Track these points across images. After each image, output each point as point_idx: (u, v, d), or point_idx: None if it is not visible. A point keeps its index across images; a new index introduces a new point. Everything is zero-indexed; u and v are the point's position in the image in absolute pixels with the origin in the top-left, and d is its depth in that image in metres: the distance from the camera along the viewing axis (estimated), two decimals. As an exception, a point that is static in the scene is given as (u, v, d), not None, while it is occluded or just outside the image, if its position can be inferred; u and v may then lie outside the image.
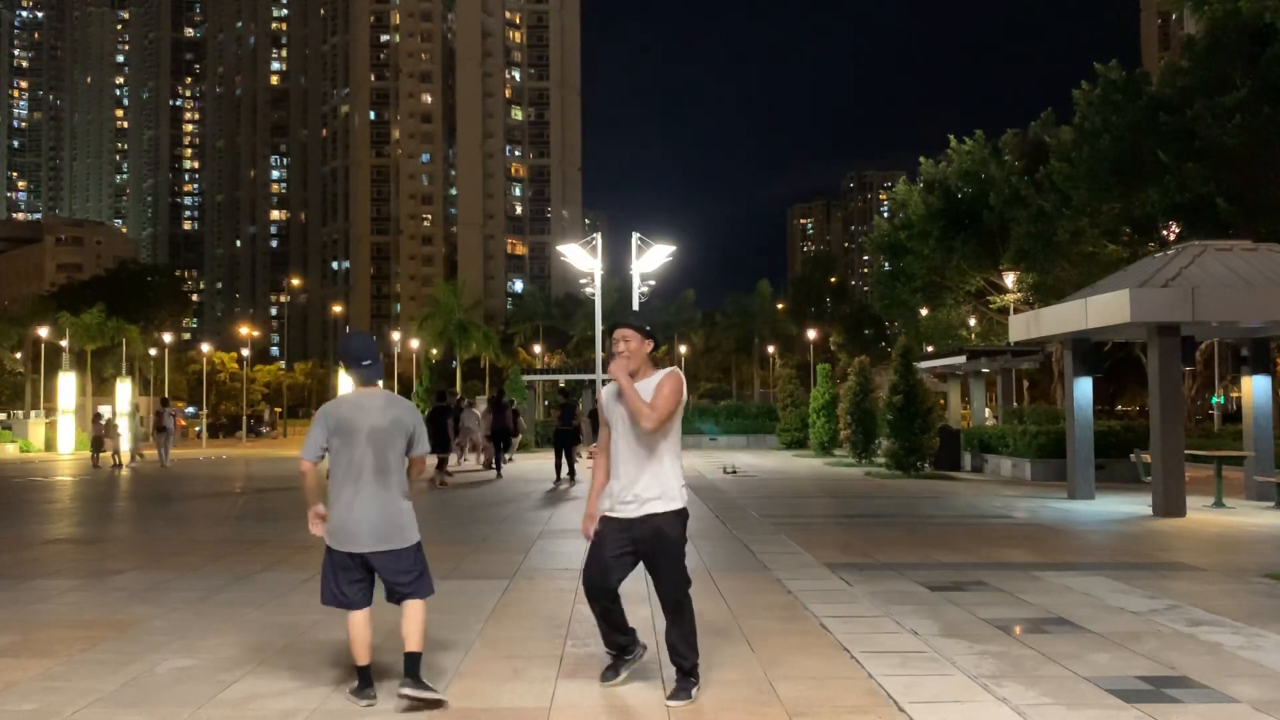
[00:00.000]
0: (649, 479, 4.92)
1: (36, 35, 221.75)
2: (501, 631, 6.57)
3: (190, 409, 73.12)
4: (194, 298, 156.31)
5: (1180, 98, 26.79)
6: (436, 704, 4.80)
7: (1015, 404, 29.90)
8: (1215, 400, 48.97)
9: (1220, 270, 14.09)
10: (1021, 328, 17.63)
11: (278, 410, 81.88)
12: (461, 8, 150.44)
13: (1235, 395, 46.92)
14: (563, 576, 8.73)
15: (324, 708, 4.90)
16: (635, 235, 33.35)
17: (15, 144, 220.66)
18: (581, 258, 34.21)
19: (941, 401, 32.54)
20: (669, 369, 5.05)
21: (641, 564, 5.02)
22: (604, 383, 5.80)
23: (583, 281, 39.62)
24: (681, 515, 4.99)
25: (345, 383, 38.52)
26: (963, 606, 7.39)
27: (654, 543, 4.90)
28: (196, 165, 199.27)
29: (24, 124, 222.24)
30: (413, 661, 4.84)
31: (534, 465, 23.77)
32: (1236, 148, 24.87)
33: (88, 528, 13.69)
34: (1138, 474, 16.45)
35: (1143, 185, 26.93)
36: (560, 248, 36.23)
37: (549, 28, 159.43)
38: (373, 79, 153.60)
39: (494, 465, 23.09)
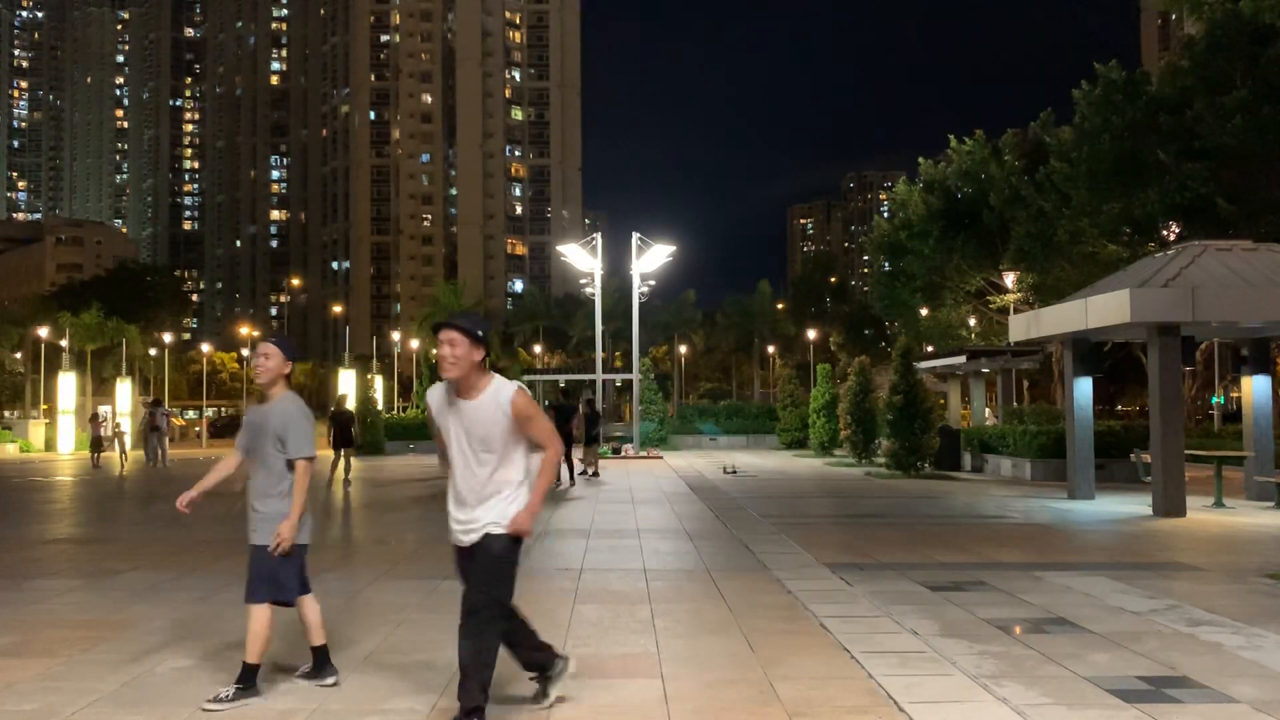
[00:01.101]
0: (494, 504, 4.40)
1: (36, 35, 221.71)
2: (501, 631, 6.56)
3: (191, 412, 73.15)
4: (194, 298, 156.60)
5: (1180, 98, 26.79)
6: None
7: (1015, 404, 29.91)
8: (1215, 400, 48.95)
9: (1220, 270, 14.09)
10: (1021, 328, 17.63)
11: None
12: (461, 8, 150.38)
13: (1235, 395, 46.91)
14: (563, 576, 8.74)
15: (324, 708, 4.91)
16: (635, 235, 33.41)
17: (15, 144, 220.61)
18: (581, 258, 34.24)
19: (941, 401, 32.53)
20: (515, 385, 4.41)
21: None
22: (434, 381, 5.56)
23: (583, 281, 39.61)
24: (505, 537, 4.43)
25: (346, 382, 38.56)
26: (963, 606, 7.39)
27: (479, 548, 4.40)
28: (196, 165, 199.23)
29: (24, 124, 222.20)
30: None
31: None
32: (1236, 148, 24.87)
33: (88, 528, 13.70)
34: (1138, 474, 16.45)
35: (1143, 185, 26.94)
36: (560, 248, 36.27)
37: (549, 28, 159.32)
38: (373, 79, 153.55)
39: None
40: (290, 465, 5.01)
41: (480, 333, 4.35)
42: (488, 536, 4.36)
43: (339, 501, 17.19)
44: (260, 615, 5.02)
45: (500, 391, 4.34)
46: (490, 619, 4.35)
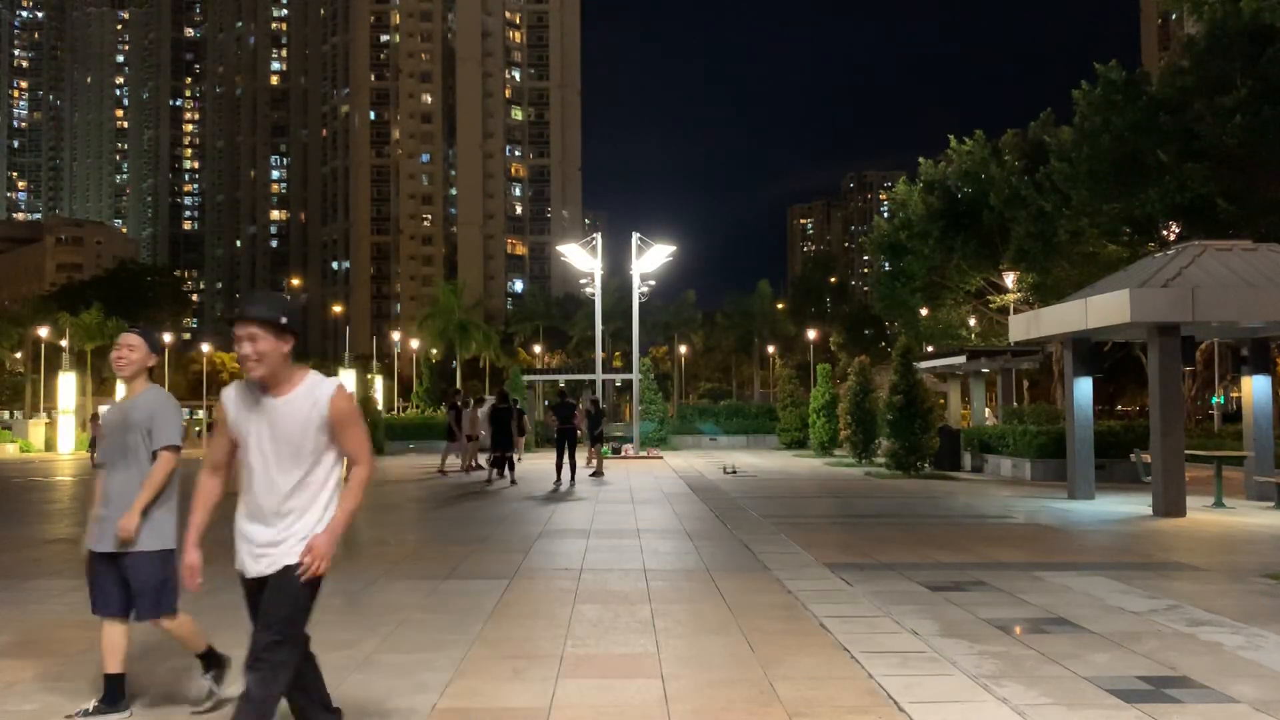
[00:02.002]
0: (297, 525, 3.69)
1: (36, 35, 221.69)
2: (501, 631, 6.57)
3: (201, 412, 73.07)
4: (194, 298, 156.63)
5: (1180, 98, 26.79)
6: None
7: (1015, 404, 29.90)
8: (1215, 400, 48.96)
9: (1220, 270, 14.09)
10: (1021, 328, 17.63)
11: None
12: (461, 8, 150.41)
13: (1235, 395, 46.91)
14: (563, 576, 8.74)
15: (324, 708, 4.90)
16: (635, 235, 33.41)
17: (15, 144, 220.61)
18: (581, 258, 34.24)
19: (941, 401, 32.54)
20: (335, 382, 3.73)
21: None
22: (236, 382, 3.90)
23: (583, 281, 39.62)
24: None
25: (346, 382, 38.54)
26: (963, 606, 7.39)
27: (279, 578, 3.69)
28: (196, 165, 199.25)
29: (24, 124, 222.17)
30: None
31: (534, 465, 23.76)
32: (1236, 148, 24.87)
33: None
34: (1138, 474, 16.45)
35: (1143, 185, 26.93)
36: (560, 248, 36.27)
37: (549, 28, 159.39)
38: (373, 79, 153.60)
39: (476, 468, 23.13)
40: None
41: (284, 319, 3.62)
42: (291, 567, 3.65)
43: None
44: (119, 628, 4.77)
45: (317, 389, 3.66)
46: (286, 662, 3.64)
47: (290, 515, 3.68)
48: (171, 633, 4.84)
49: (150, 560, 4.67)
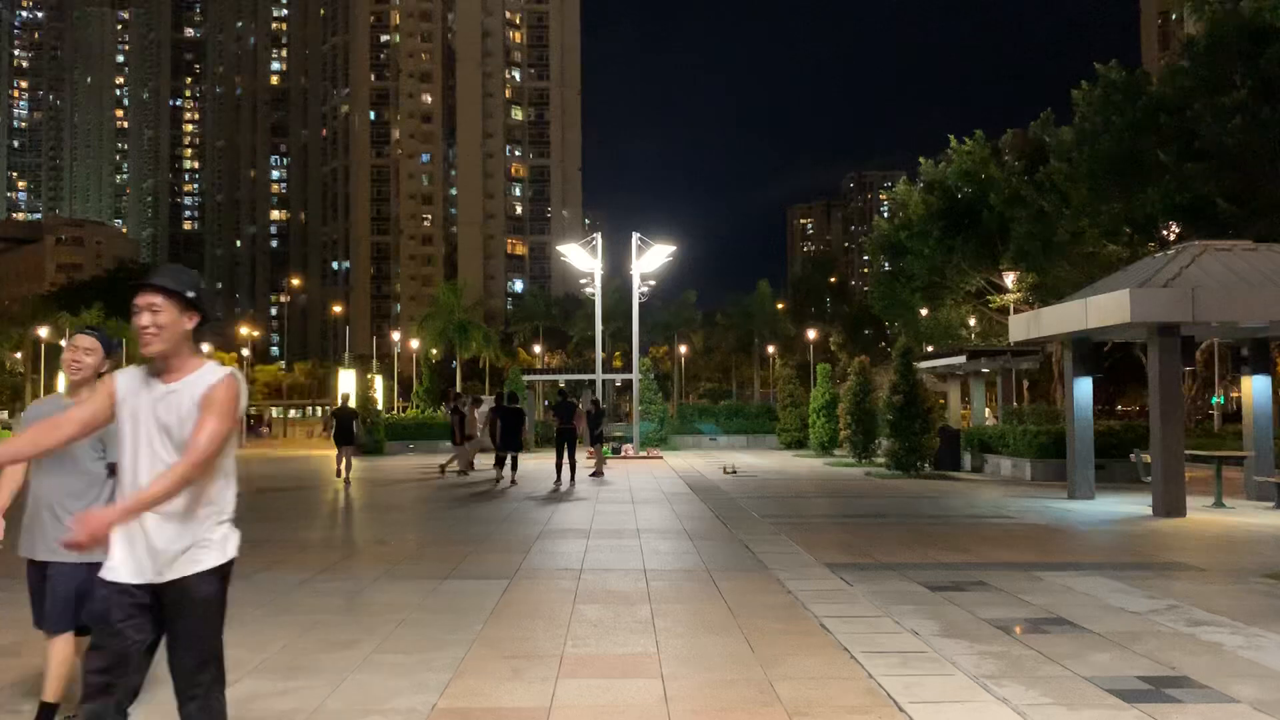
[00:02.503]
0: (192, 527, 3.26)
1: (36, 35, 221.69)
2: (501, 631, 6.57)
3: None
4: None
5: (1180, 98, 26.80)
6: None
7: (1015, 404, 29.90)
8: (1215, 400, 48.97)
9: (1220, 270, 14.10)
10: (1021, 328, 17.63)
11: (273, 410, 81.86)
12: (461, 8, 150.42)
13: (1235, 395, 46.91)
14: (563, 576, 8.74)
15: (324, 708, 4.91)
16: (635, 235, 33.41)
17: (15, 144, 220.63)
18: (581, 258, 34.24)
19: (941, 401, 32.54)
20: (225, 371, 3.33)
21: None
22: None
23: (583, 281, 39.62)
24: (222, 571, 3.32)
25: (346, 382, 38.55)
26: (963, 606, 7.39)
27: (175, 600, 3.24)
28: (196, 165, 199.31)
29: (24, 124, 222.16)
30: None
31: (534, 465, 23.77)
32: (1236, 148, 24.88)
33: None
34: (1138, 474, 16.45)
35: (1143, 185, 26.95)
36: (560, 248, 36.26)
37: (549, 28, 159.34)
38: (373, 79, 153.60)
39: (462, 468, 23.25)
40: (112, 470, 4.27)
41: (191, 294, 3.30)
42: (188, 579, 3.23)
43: (338, 501, 17.19)
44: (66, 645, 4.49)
45: (206, 376, 3.29)
46: (218, 679, 3.33)
47: (187, 517, 3.26)
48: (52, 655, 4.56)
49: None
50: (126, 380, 3.37)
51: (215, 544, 3.29)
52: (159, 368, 3.32)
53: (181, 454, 3.21)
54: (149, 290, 3.28)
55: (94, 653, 3.21)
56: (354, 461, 21.59)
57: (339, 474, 20.36)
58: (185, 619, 3.25)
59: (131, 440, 3.29)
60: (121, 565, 3.24)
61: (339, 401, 25.25)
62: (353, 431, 21.24)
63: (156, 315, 3.26)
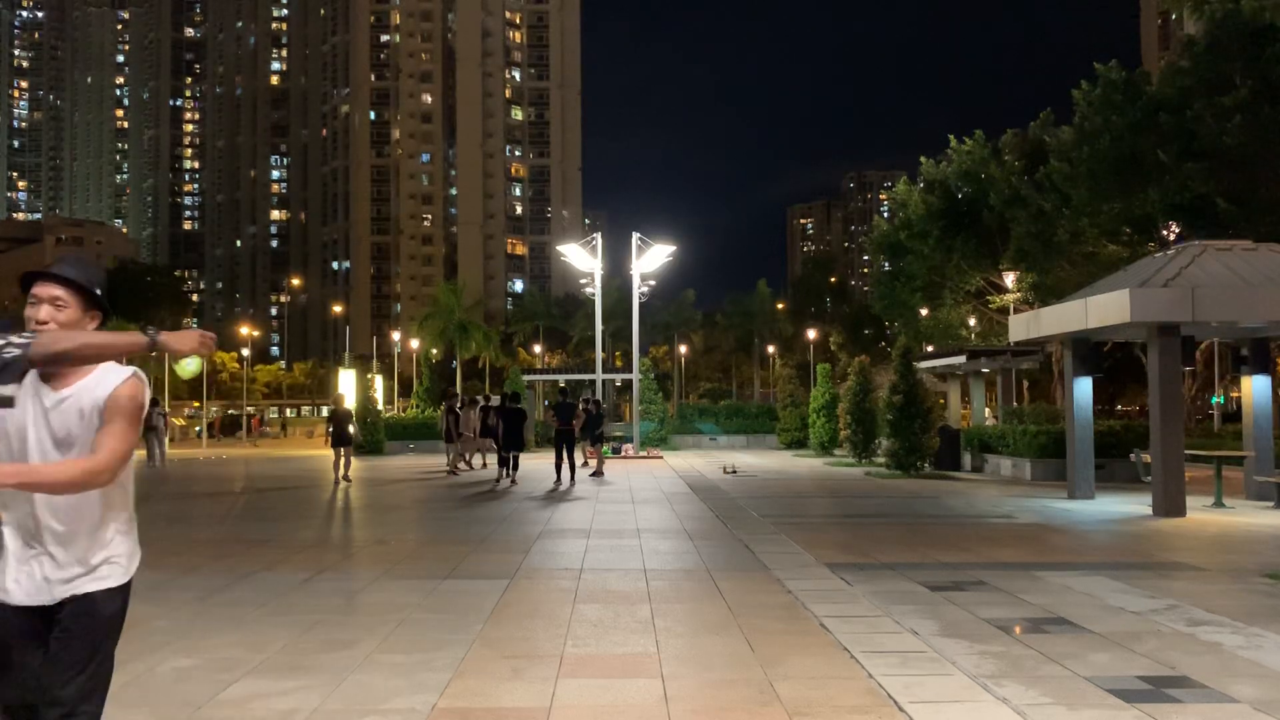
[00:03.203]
0: (86, 543, 2.91)
1: (36, 35, 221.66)
2: (501, 631, 6.57)
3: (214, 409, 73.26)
4: (194, 298, 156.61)
5: (1180, 98, 26.77)
6: None
7: (1015, 404, 29.91)
8: (1215, 400, 48.98)
9: (1220, 270, 14.10)
10: (1021, 328, 17.63)
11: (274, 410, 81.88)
12: (461, 8, 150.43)
13: (1235, 395, 46.91)
14: (563, 576, 8.74)
15: (324, 708, 4.91)
16: (635, 235, 33.40)
17: (15, 144, 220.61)
18: (581, 258, 34.23)
19: (941, 401, 32.53)
20: (128, 372, 2.93)
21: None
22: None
23: (583, 281, 39.60)
24: (123, 591, 2.97)
25: (346, 382, 38.54)
26: (963, 606, 7.39)
27: (72, 620, 2.86)
28: (196, 165, 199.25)
29: (24, 124, 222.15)
30: None
31: (534, 465, 23.76)
32: (1236, 148, 24.86)
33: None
34: (1138, 474, 16.45)
35: (1143, 185, 26.94)
36: (560, 248, 36.25)
37: (549, 28, 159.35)
38: (373, 79, 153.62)
39: (455, 468, 23.28)
40: None
41: (98, 290, 2.97)
42: (93, 596, 2.87)
43: (338, 501, 17.19)
44: None
45: (108, 377, 2.89)
46: (99, 710, 2.89)
47: (80, 533, 2.89)
48: None
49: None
50: None
51: (122, 559, 2.96)
52: (47, 372, 2.85)
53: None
54: (52, 281, 2.91)
55: None
56: (353, 461, 21.59)
57: (337, 481, 20.21)
58: (80, 639, 2.84)
59: (37, 450, 2.86)
60: (15, 586, 2.86)
61: (334, 401, 25.32)
62: (348, 432, 21.25)
63: (59, 311, 2.90)
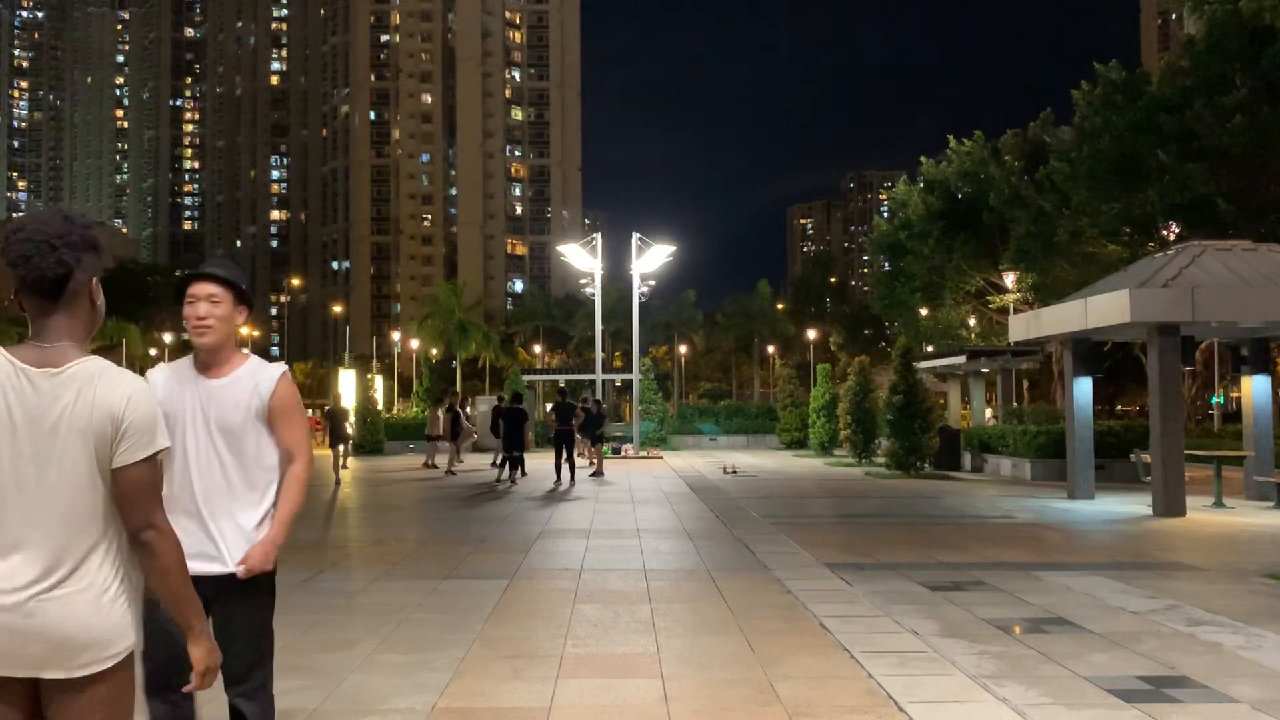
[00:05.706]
0: (251, 516, 3.22)
1: (36, 35, 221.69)
2: (501, 631, 6.57)
3: None
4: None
5: (1180, 98, 26.78)
6: None
7: (1015, 404, 29.92)
8: (1215, 400, 48.97)
9: (1220, 270, 14.10)
10: (1021, 328, 17.64)
11: None
12: (461, 8, 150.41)
13: (1235, 395, 46.90)
14: (563, 576, 8.74)
15: (324, 708, 4.91)
16: (635, 235, 33.42)
17: (15, 144, 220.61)
18: (581, 258, 34.25)
19: (941, 401, 32.53)
20: (280, 368, 3.30)
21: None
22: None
23: (583, 281, 39.60)
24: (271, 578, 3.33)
25: (346, 382, 38.55)
26: (963, 606, 7.39)
27: (241, 581, 3.17)
28: (196, 165, 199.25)
29: (24, 124, 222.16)
30: None
31: (533, 466, 23.76)
32: (1236, 148, 24.86)
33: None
34: (1138, 474, 16.45)
35: (1143, 185, 26.93)
36: (560, 248, 36.27)
37: (549, 28, 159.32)
38: (373, 79, 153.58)
39: (453, 467, 23.33)
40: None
41: (245, 288, 3.27)
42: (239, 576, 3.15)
43: (337, 500, 17.19)
44: None
45: (262, 372, 3.24)
46: (270, 677, 3.35)
47: (243, 508, 3.20)
48: None
49: None
50: (162, 377, 3.25)
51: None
52: (205, 362, 3.22)
53: (238, 455, 3.18)
54: (208, 280, 3.20)
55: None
56: (351, 461, 21.65)
57: (338, 482, 20.27)
58: (249, 610, 3.23)
59: (193, 437, 3.16)
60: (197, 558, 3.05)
61: (331, 400, 25.46)
62: (344, 430, 21.41)
63: (216, 306, 3.19)
